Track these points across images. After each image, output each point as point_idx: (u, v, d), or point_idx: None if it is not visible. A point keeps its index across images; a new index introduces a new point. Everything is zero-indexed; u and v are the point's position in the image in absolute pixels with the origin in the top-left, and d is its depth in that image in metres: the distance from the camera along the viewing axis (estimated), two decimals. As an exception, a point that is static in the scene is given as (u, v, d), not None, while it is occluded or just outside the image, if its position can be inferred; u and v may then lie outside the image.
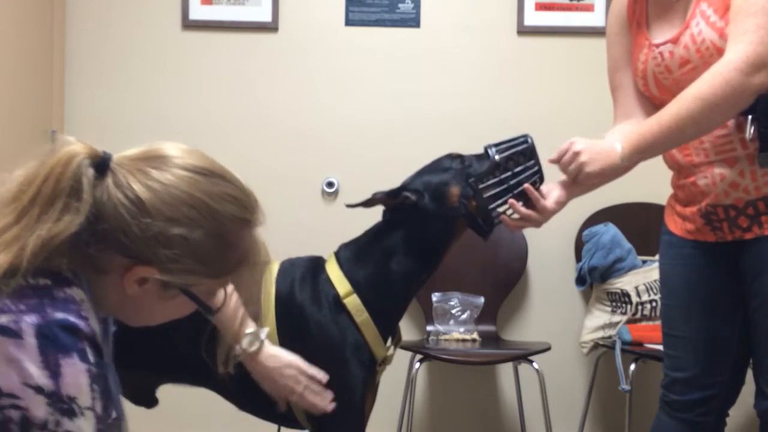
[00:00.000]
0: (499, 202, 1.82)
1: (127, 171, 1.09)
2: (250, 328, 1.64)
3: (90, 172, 1.08)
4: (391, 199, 1.85)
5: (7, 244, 1.05)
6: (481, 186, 1.81)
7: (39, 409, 0.99)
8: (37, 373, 1.00)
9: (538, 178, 1.86)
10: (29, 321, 1.01)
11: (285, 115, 3.25)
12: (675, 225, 1.98)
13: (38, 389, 0.99)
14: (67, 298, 1.05)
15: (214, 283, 1.15)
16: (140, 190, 1.08)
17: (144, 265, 1.09)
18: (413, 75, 3.25)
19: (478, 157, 1.88)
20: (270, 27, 3.24)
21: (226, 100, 3.25)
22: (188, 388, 1.86)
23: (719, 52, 1.72)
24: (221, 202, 1.11)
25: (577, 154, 1.83)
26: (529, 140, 1.87)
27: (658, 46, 1.85)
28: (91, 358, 1.04)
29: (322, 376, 1.71)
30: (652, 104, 1.94)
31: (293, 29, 3.25)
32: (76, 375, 1.02)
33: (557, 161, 1.87)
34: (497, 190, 1.82)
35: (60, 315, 1.03)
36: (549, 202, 1.87)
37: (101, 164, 1.09)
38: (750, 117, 1.71)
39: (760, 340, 1.86)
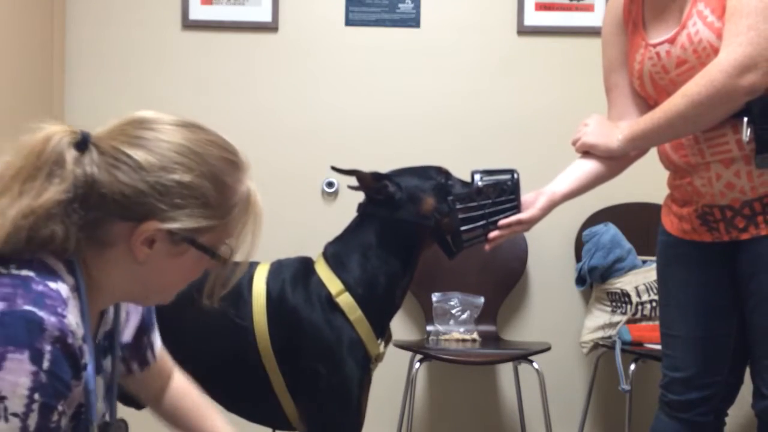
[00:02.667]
0: (470, 227, 1.84)
1: (109, 138, 1.11)
2: None
3: (71, 149, 1.08)
4: (373, 180, 1.87)
5: None
6: (458, 206, 1.83)
7: None
8: None
9: (513, 214, 1.88)
10: None
11: (285, 115, 3.25)
12: (671, 225, 1.98)
13: None
14: (43, 293, 1.01)
15: (218, 227, 1.13)
16: (127, 149, 1.08)
17: (147, 221, 1.08)
18: (413, 75, 3.25)
19: (463, 183, 1.91)
20: (270, 27, 3.24)
21: (226, 100, 3.25)
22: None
23: (716, 52, 1.72)
24: (205, 146, 1.14)
25: (586, 124, 1.97)
26: (515, 176, 1.89)
27: (654, 46, 1.85)
28: (46, 363, 0.97)
29: None
30: (647, 105, 1.95)
31: (293, 29, 3.25)
32: (16, 374, 0.95)
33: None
34: (472, 214, 1.84)
35: (27, 307, 0.98)
36: (535, 209, 1.89)
37: (81, 141, 1.09)
38: (746, 119, 1.72)
39: (757, 340, 1.86)
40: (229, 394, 1.85)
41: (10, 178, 1.07)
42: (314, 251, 1.96)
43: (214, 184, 1.12)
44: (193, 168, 1.10)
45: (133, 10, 3.26)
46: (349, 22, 3.25)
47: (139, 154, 1.08)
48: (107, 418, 1.23)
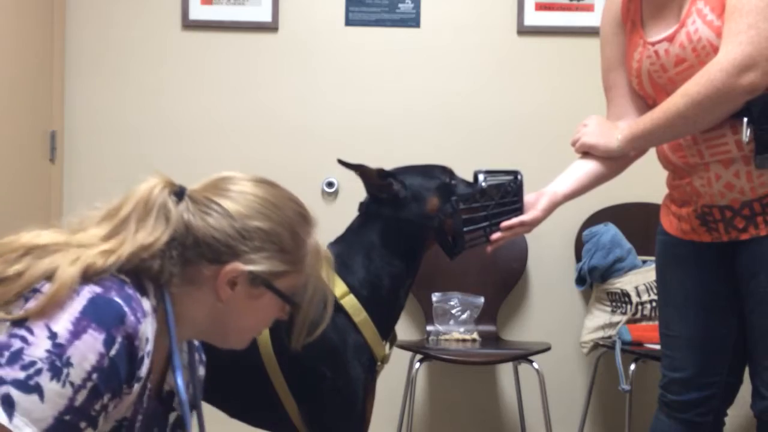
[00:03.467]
0: (473, 227, 1.83)
1: (203, 191, 1.26)
2: None
3: (171, 196, 1.23)
4: (378, 178, 1.85)
5: (109, 249, 1.16)
6: (461, 207, 1.82)
7: (38, 349, 1.03)
8: (64, 323, 1.05)
9: (516, 215, 1.87)
10: (91, 288, 1.10)
11: (285, 115, 3.25)
12: (670, 225, 1.98)
13: (53, 335, 1.04)
14: (132, 297, 1.13)
15: (292, 274, 1.26)
16: (218, 200, 1.24)
17: (232, 263, 1.21)
18: (413, 75, 3.25)
19: (467, 183, 1.90)
20: (270, 27, 3.24)
21: (226, 100, 3.25)
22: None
23: (716, 51, 1.71)
24: (282, 200, 1.29)
25: (585, 124, 1.96)
26: (519, 177, 1.88)
27: (653, 44, 1.85)
28: (114, 351, 1.07)
29: None
30: (645, 104, 1.95)
31: (293, 29, 3.25)
32: (89, 349, 1.05)
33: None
34: (475, 215, 1.83)
35: (117, 299, 1.10)
36: (537, 210, 1.89)
37: (179, 192, 1.24)
38: (746, 119, 1.71)
39: (756, 341, 1.86)
40: (231, 400, 1.84)
41: (124, 218, 1.20)
42: (314, 251, 1.96)
43: (290, 234, 1.26)
44: (272, 218, 1.25)
45: (133, 10, 3.26)
46: (349, 22, 3.25)
47: (227, 204, 1.23)
48: None
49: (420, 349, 2.83)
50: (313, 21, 3.25)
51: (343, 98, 3.26)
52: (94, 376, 1.06)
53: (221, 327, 1.28)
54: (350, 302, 1.79)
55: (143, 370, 1.13)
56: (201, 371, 1.45)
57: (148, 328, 1.13)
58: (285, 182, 3.32)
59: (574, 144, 2.00)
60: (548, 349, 2.88)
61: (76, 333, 1.05)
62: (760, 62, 1.65)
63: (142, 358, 1.12)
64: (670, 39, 1.81)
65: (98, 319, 1.07)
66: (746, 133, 1.72)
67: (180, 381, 1.23)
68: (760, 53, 1.64)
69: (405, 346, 2.85)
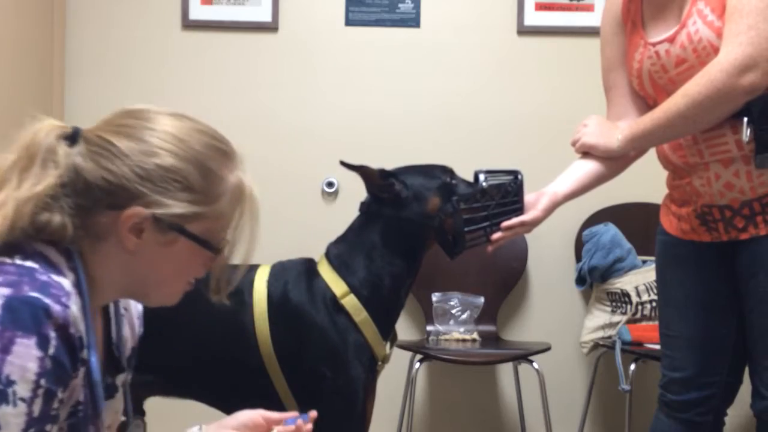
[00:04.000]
0: (474, 227, 1.83)
1: (97, 129, 1.14)
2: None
3: (61, 141, 1.11)
4: (380, 178, 1.85)
5: None
6: (462, 207, 1.82)
7: None
8: None
9: (516, 216, 1.87)
10: (2, 292, 1.00)
11: (285, 115, 3.25)
12: (670, 225, 1.98)
13: None
14: (47, 282, 1.03)
15: (206, 216, 1.13)
16: (111, 137, 1.11)
17: (131, 207, 1.09)
18: (413, 75, 3.25)
19: (467, 183, 1.90)
20: (270, 27, 3.24)
21: (226, 100, 3.25)
22: (178, 399, 1.85)
23: (716, 51, 1.72)
24: (190, 133, 1.15)
25: (585, 124, 1.96)
26: (520, 177, 1.88)
27: (654, 44, 1.85)
28: (53, 349, 1.00)
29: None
30: (646, 104, 1.95)
31: (293, 29, 3.25)
32: (25, 359, 0.98)
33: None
34: (476, 215, 1.83)
35: (34, 294, 1.01)
36: (538, 210, 1.89)
37: (71, 135, 1.12)
38: (746, 119, 1.71)
39: (756, 341, 1.86)
40: (231, 400, 1.83)
41: (7, 170, 1.10)
42: (314, 251, 1.96)
43: (198, 169, 1.12)
44: (175, 152, 1.11)
45: (133, 10, 3.25)
46: (349, 22, 3.25)
47: (123, 142, 1.10)
48: (122, 417, 1.23)
49: (420, 349, 2.83)
50: (313, 21, 3.25)
51: (343, 98, 3.26)
52: (42, 381, 0.99)
53: (139, 282, 1.15)
54: (351, 302, 1.79)
55: (85, 351, 1.07)
56: (137, 328, 1.33)
57: (75, 309, 1.04)
58: (285, 182, 3.34)
59: (574, 144, 2.00)
60: (548, 349, 2.88)
61: (5, 348, 0.97)
62: (761, 63, 1.65)
63: (81, 338, 1.05)
64: (671, 40, 1.82)
65: (21, 324, 0.98)
66: (746, 133, 1.72)
67: (94, 360, 1.10)
68: (760, 54, 1.65)
69: (405, 346, 2.85)
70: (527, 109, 3.24)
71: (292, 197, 3.21)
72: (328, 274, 1.82)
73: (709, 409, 1.96)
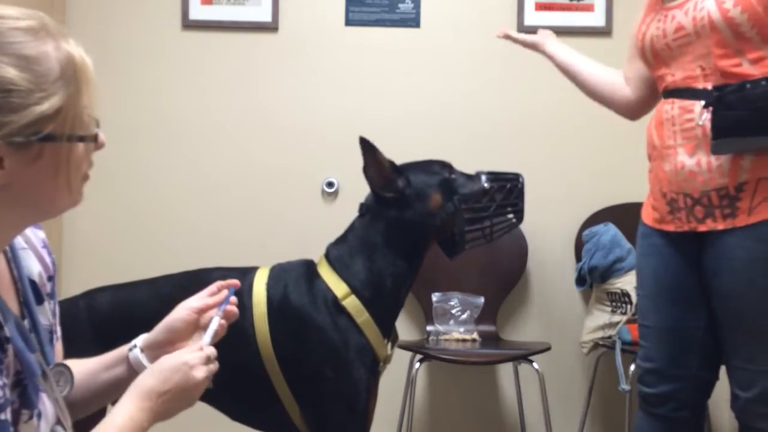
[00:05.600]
0: (474, 227, 1.83)
1: None
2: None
3: None
4: (390, 171, 1.84)
5: None
6: (463, 207, 1.81)
7: None
8: None
9: (518, 219, 1.88)
10: None
11: (285, 115, 3.25)
12: (647, 216, 2.01)
13: None
14: None
15: (56, 109, 0.97)
16: None
17: None
18: (413, 75, 3.25)
19: (467, 177, 1.89)
20: (270, 27, 3.24)
21: (226, 100, 3.25)
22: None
23: (712, 29, 1.75)
24: None
25: None
26: (521, 180, 1.88)
27: (668, 9, 1.88)
28: None
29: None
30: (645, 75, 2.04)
31: (293, 29, 3.25)
32: None
33: None
34: (477, 215, 1.83)
35: None
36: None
37: None
38: (703, 103, 1.74)
39: (725, 339, 1.88)
40: (233, 404, 1.83)
41: None
42: (314, 251, 1.96)
43: (16, 65, 0.95)
44: None
45: (133, 10, 3.25)
46: (349, 22, 3.25)
47: None
48: (43, 366, 1.11)
49: (420, 349, 2.83)
50: (313, 21, 3.25)
51: (343, 98, 3.26)
52: None
53: (30, 208, 1.02)
54: (352, 303, 1.78)
55: (5, 330, 0.98)
56: (47, 257, 1.20)
57: None
58: (285, 182, 3.32)
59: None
60: (548, 349, 2.88)
61: None
62: None
63: None
64: (681, 6, 1.84)
65: None
66: (702, 118, 1.75)
67: (14, 331, 1.01)
68: None
69: (405, 346, 2.85)
70: (527, 110, 3.23)
71: (292, 197, 3.21)
72: (328, 275, 1.81)
73: (682, 404, 1.98)
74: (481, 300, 3.05)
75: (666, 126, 1.87)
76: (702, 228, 1.85)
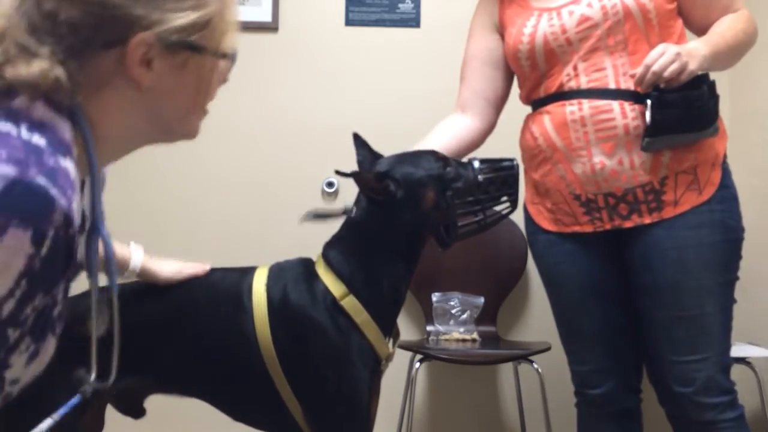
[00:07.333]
0: (467, 220, 1.83)
1: None
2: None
3: None
4: (376, 182, 1.84)
5: None
6: (456, 202, 1.81)
7: None
8: None
9: (513, 206, 1.87)
10: (5, 170, 0.84)
11: (285, 115, 3.25)
12: (548, 222, 2.00)
13: None
14: (56, 169, 0.87)
15: (207, 19, 1.01)
16: None
17: (135, 35, 0.96)
18: (413, 75, 3.25)
19: (461, 165, 1.88)
20: (270, 27, 3.24)
21: (226, 100, 3.23)
22: (180, 398, 1.84)
23: (627, 17, 1.80)
24: None
25: (678, 54, 1.73)
26: (516, 165, 1.87)
27: (556, 8, 1.90)
28: (45, 250, 0.85)
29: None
30: (503, 87, 2.12)
31: (293, 29, 3.25)
32: (12, 252, 0.83)
33: (647, 70, 1.73)
34: (469, 209, 1.83)
35: (41, 180, 0.85)
36: None
37: None
38: (649, 101, 1.74)
39: (659, 336, 1.88)
40: (236, 405, 1.82)
41: None
42: (314, 251, 1.95)
43: None
44: None
45: (133, 10, 3.25)
46: (349, 22, 3.25)
47: None
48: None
49: (420, 349, 2.83)
50: (313, 21, 3.25)
51: (343, 98, 3.26)
52: (23, 282, 0.84)
53: (157, 120, 1.04)
54: (350, 303, 1.78)
55: (78, 250, 0.95)
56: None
57: (77, 202, 0.90)
58: (285, 182, 3.31)
59: (674, 73, 1.73)
60: (548, 349, 2.88)
61: None
62: None
63: (74, 236, 0.90)
64: (576, 1, 1.87)
65: (20, 213, 0.82)
66: (648, 115, 1.75)
67: (106, 233, 1.01)
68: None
69: (405, 346, 2.85)
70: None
71: (292, 197, 3.21)
72: (326, 275, 1.81)
73: (628, 393, 2.03)
74: (481, 300, 3.05)
75: (572, 127, 1.87)
76: (627, 224, 1.86)
